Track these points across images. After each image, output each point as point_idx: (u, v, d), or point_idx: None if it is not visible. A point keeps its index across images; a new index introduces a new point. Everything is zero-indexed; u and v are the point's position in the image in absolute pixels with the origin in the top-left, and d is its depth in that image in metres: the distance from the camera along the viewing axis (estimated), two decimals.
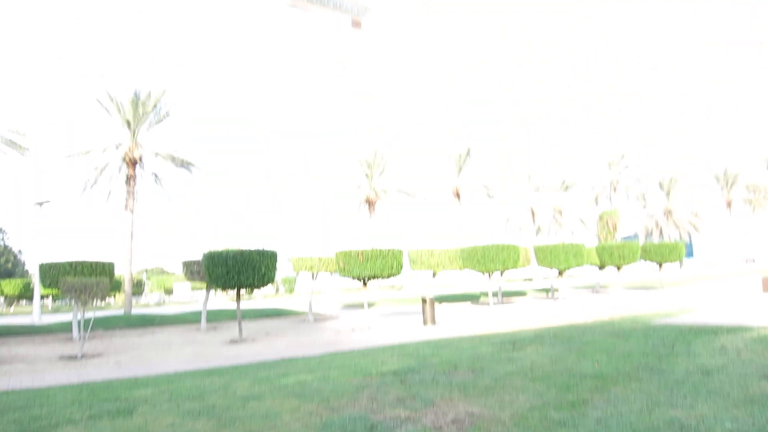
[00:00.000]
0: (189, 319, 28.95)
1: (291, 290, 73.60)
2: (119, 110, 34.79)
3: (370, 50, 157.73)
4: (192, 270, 26.03)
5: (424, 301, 23.50)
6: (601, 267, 37.68)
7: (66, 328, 25.25)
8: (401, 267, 23.19)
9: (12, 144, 32.14)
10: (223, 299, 60.71)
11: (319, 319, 28.63)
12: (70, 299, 20.98)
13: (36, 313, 33.77)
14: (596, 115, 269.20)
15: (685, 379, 7.30)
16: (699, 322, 14.71)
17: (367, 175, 50.40)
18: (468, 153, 53.76)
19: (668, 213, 77.21)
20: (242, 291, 21.05)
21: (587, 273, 72.92)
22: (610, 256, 34.02)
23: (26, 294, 60.65)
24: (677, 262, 40.80)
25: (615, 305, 25.32)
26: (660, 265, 37.88)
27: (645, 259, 38.30)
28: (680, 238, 75.02)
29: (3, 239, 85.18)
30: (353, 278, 22.95)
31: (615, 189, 79.08)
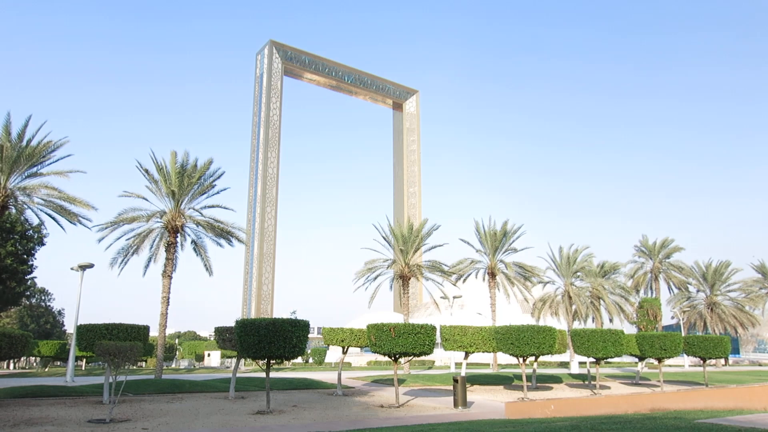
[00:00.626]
0: (218, 387, 28.80)
1: (320, 362, 72.70)
2: (165, 180, 36.17)
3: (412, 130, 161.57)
4: (224, 338, 26.17)
5: (455, 381, 22.98)
6: (641, 357, 36.31)
7: (97, 390, 25.40)
8: (434, 344, 22.83)
9: (63, 211, 33.56)
10: (253, 365, 60.24)
11: (347, 393, 28.15)
12: (104, 362, 21.26)
13: (69, 374, 34.14)
14: (639, 199, 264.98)
15: None
16: (746, 424, 13.98)
17: (402, 251, 50.50)
18: (504, 233, 53.54)
19: (712, 305, 74.55)
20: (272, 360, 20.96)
21: (626, 363, 70.38)
22: (650, 347, 32.75)
23: (62, 355, 61.48)
24: (722, 358, 39.04)
25: (656, 399, 24.21)
26: (704, 360, 36.27)
27: (687, 353, 36.78)
28: (725, 332, 71.98)
29: (46, 301, 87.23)
30: (384, 354, 22.64)
31: (656, 277, 77.15)
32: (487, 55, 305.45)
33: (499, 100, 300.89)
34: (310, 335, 22.07)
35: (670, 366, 68.26)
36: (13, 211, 39.71)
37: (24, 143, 32.22)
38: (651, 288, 77.22)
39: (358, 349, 48.82)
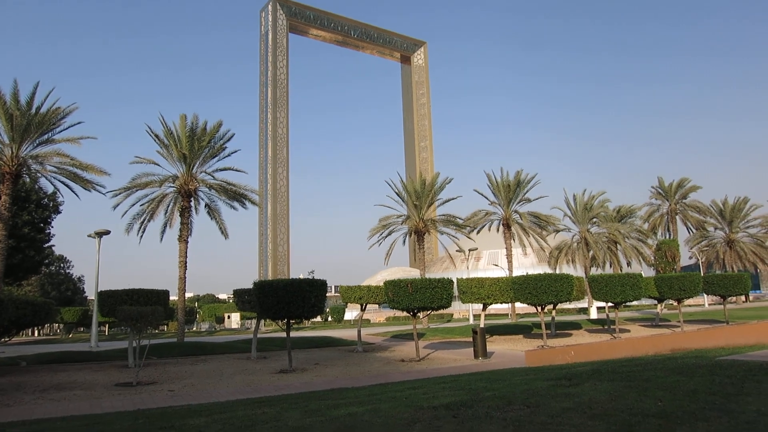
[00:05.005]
0: (240, 348, 29.23)
1: (339, 320, 73.59)
2: (176, 144, 35.93)
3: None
4: (243, 299, 26.38)
5: (475, 332, 23.06)
6: (660, 299, 36.22)
7: (122, 355, 25.87)
8: (451, 298, 22.82)
9: (76, 178, 33.54)
10: (272, 325, 61.19)
11: (368, 349, 28.45)
12: (126, 327, 21.53)
13: (93, 339, 34.82)
14: (653, 138, 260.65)
15: (756, 420, 6.82)
16: None
17: (415, 206, 50.25)
18: (518, 183, 52.93)
19: (731, 243, 73.88)
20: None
21: (645, 306, 70.51)
22: (669, 288, 32.61)
23: (84, 321, 62.79)
24: (742, 295, 38.87)
25: (677, 339, 24.18)
26: (724, 298, 36.12)
27: (707, 293, 36.61)
28: (744, 269, 71.53)
29: (65, 268, 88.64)
30: (402, 309, 22.69)
31: (673, 218, 76.36)
32: (493, 9, 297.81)
33: (511, 52, 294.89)
34: (327, 294, 22.10)
35: (690, 306, 68.32)
36: (27, 180, 39.89)
37: (33, 111, 32.00)
38: (668, 230, 76.52)
39: (376, 306, 49.20)
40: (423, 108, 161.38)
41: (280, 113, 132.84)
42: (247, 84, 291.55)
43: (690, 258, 78.10)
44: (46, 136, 33.14)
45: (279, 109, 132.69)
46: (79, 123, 34.25)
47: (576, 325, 40.01)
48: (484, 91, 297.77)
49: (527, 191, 53.57)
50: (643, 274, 33.04)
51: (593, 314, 50.85)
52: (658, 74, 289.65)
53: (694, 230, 76.93)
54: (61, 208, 57.28)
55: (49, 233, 56.85)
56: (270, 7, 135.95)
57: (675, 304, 35.50)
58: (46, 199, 55.23)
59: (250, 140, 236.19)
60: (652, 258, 60.58)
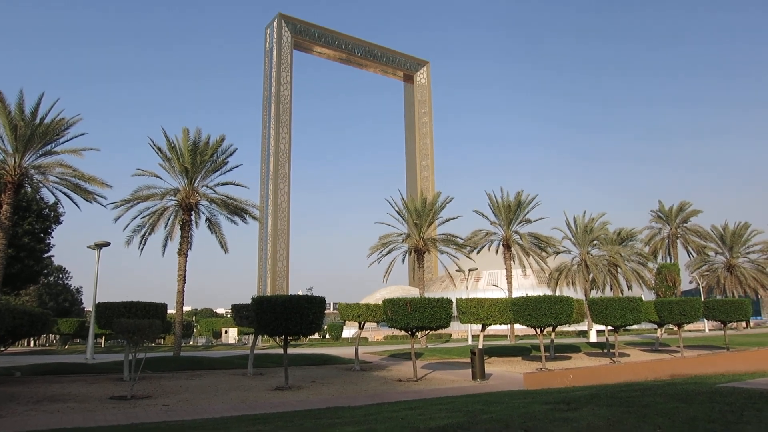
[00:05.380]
0: (236, 363, 29.03)
1: (337, 337, 73.22)
2: (178, 158, 36.04)
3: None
4: (241, 315, 26.25)
5: (473, 353, 22.90)
6: (660, 324, 36.03)
7: (117, 367, 25.68)
8: (450, 317, 22.70)
9: (78, 189, 33.61)
10: (270, 341, 60.83)
11: (365, 368, 28.24)
12: (123, 339, 21.41)
13: (89, 351, 34.60)
14: (655, 160, 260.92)
15: None
16: None
17: (416, 225, 50.25)
18: (519, 204, 52.98)
19: (731, 268, 73.70)
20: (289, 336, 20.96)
21: (645, 330, 70.14)
22: (670, 312, 32.44)
23: (81, 332, 62.47)
24: (743, 321, 38.67)
25: (677, 365, 24.03)
26: (724, 324, 35.92)
27: (707, 318, 36.40)
28: (745, 295, 71.25)
29: (63, 279, 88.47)
30: (400, 328, 22.56)
31: (674, 242, 76.25)
32: (500, 29, 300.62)
33: (511, 71, 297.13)
34: (326, 311, 22.00)
35: (690, 331, 67.95)
36: (29, 190, 39.96)
37: (37, 121, 32.15)
38: (669, 253, 76.35)
39: (375, 324, 48.97)
40: (425, 126, 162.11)
41: (283, 129, 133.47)
42: (250, 98, 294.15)
43: (690, 282, 77.81)
44: (49, 147, 33.27)
45: (282, 125, 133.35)
46: (82, 134, 34.59)
47: (575, 348, 39.77)
48: (486, 110, 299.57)
49: (528, 212, 53.62)
50: (644, 298, 32.90)
51: (593, 337, 50.54)
52: (661, 95, 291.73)
53: (694, 255, 76.75)
54: (61, 218, 57.33)
55: (49, 243, 56.85)
56: (275, 24, 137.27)
57: (675, 328, 35.30)
58: (47, 210, 55.31)
59: (251, 154, 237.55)
60: (653, 282, 60.38)
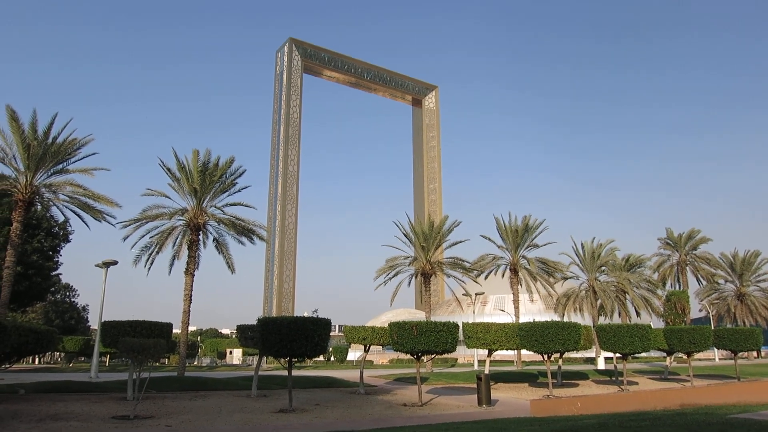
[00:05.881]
0: (240, 385, 28.82)
1: (342, 360, 72.66)
2: (188, 178, 36.23)
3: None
4: (246, 336, 26.15)
5: (479, 379, 22.66)
6: (670, 352, 35.58)
7: (121, 386, 25.55)
8: (456, 342, 22.52)
9: (88, 208, 33.81)
10: (274, 363, 60.44)
11: (370, 391, 27.97)
12: (128, 358, 21.34)
13: (94, 370, 34.47)
14: (664, 186, 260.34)
15: None
16: None
17: (423, 248, 50.14)
18: (526, 228, 52.79)
19: (742, 297, 72.89)
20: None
21: (654, 358, 69.20)
22: (679, 341, 32.06)
23: (86, 350, 62.28)
24: (754, 351, 38.14)
25: (686, 394, 23.64)
26: (735, 353, 35.43)
27: (717, 347, 35.93)
28: (756, 324, 70.33)
29: (70, 297, 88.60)
30: (406, 352, 22.39)
31: (683, 270, 75.64)
32: (509, 55, 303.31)
33: (519, 97, 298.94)
34: (331, 333, 21.89)
35: (699, 360, 67.01)
36: (39, 207, 40.27)
37: (50, 140, 32.51)
38: (678, 281, 75.69)
39: (380, 347, 48.67)
40: (433, 150, 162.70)
41: (292, 151, 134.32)
42: (260, 120, 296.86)
43: (700, 311, 76.99)
44: (60, 166, 33.58)
45: (290, 147, 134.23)
46: (93, 154, 34.77)
47: (583, 375, 39.27)
48: (494, 135, 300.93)
49: (535, 237, 53.36)
50: (652, 326, 32.55)
51: (600, 365, 49.91)
52: (671, 123, 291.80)
53: (704, 282, 76.07)
54: (70, 237, 57.66)
55: (57, 261, 57.09)
56: (286, 48, 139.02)
57: (684, 357, 34.84)
58: (56, 228, 55.67)
59: (260, 175, 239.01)
60: (662, 309, 59.78)
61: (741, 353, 40.94)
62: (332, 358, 74.70)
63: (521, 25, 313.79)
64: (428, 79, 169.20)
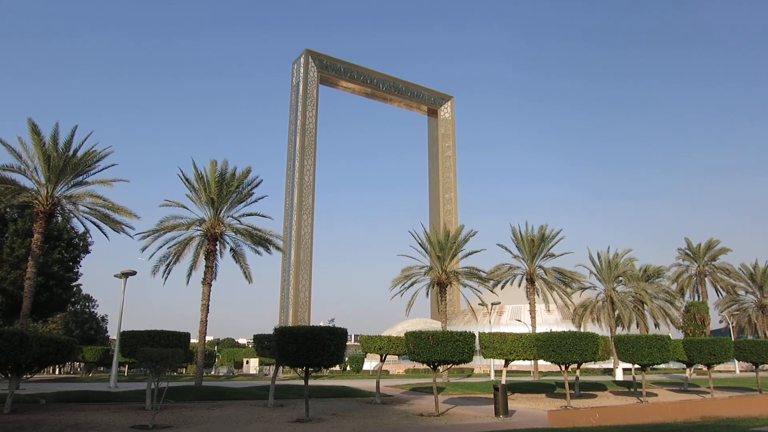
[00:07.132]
0: (257, 394, 28.93)
1: (358, 370, 72.57)
2: (205, 189, 36.63)
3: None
4: (263, 345, 26.27)
5: (496, 389, 22.56)
6: (689, 363, 35.11)
7: (140, 396, 25.77)
8: (473, 352, 22.44)
9: (107, 219, 34.29)
10: (290, 372, 60.52)
11: (386, 401, 27.92)
12: (146, 368, 21.55)
13: (113, 380, 34.82)
14: (682, 196, 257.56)
15: None
16: None
17: (438, 257, 50.07)
18: (542, 238, 52.54)
19: (763, 308, 71.69)
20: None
21: (673, 369, 68.24)
22: (699, 352, 31.62)
23: (105, 360, 62.92)
24: None
25: (707, 406, 23.31)
26: (756, 365, 34.86)
27: (738, 359, 35.39)
28: None
29: (90, 307, 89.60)
30: (422, 362, 22.35)
31: (702, 280, 74.65)
32: (525, 65, 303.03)
33: (535, 107, 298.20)
34: (347, 343, 21.94)
35: (720, 371, 65.95)
36: (60, 219, 40.89)
37: (71, 153, 33.07)
38: (697, 291, 74.66)
39: (396, 357, 48.52)
40: (448, 160, 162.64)
41: (308, 161, 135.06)
42: (276, 130, 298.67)
43: (720, 322, 75.80)
44: (80, 178, 34.14)
45: (306, 157, 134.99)
46: (113, 165, 35.25)
47: (601, 386, 38.85)
48: (510, 145, 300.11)
49: (552, 246, 53.09)
50: (671, 336, 32.17)
51: (619, 376, 49.33)
52: (688, 133, 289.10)
53: (723, 293, 74.93)
54: (90, 247, 58.40)
55: (77, 272, 57.81)
56: (302, 59, 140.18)
57: (704, 368, 34.36)
58: (76, 239, 56.41)
59: (276, 185, 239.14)
60: (681, 320, 59.01)
61: (762, 365, 40.25)
62: (348, 368, 74.67)
63: (536, 35, 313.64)
64: (443, 89, 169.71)
